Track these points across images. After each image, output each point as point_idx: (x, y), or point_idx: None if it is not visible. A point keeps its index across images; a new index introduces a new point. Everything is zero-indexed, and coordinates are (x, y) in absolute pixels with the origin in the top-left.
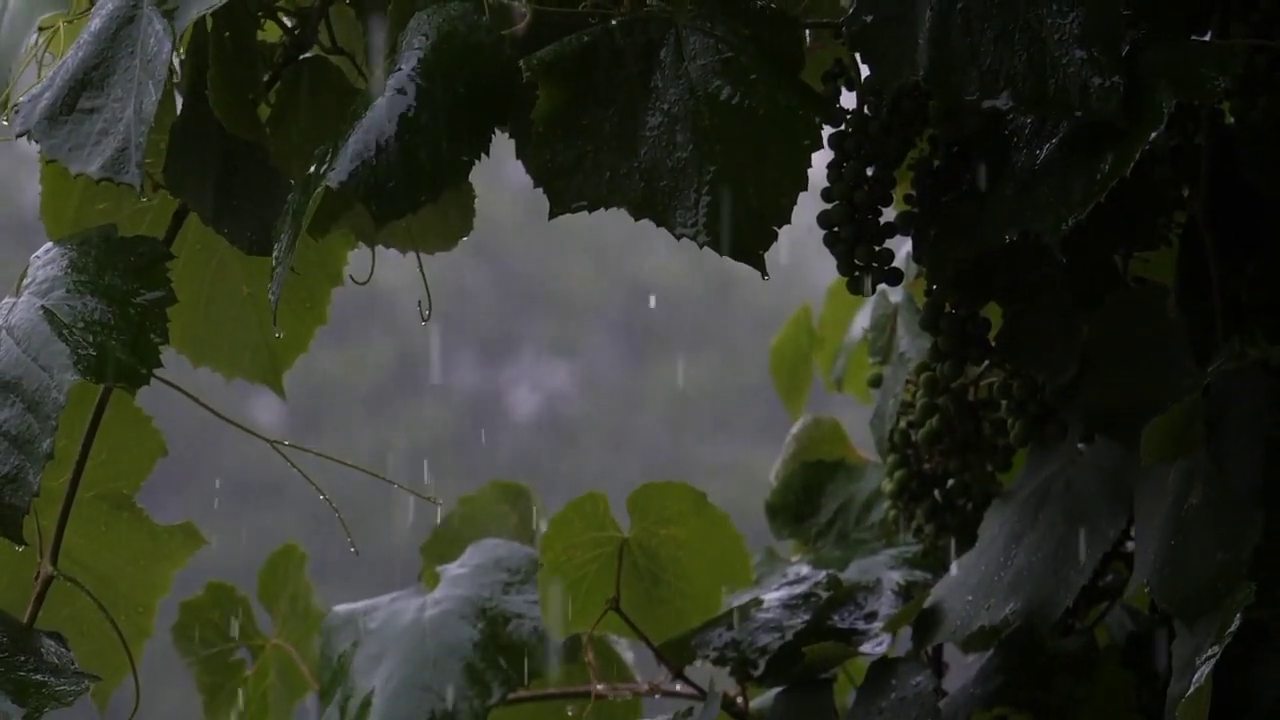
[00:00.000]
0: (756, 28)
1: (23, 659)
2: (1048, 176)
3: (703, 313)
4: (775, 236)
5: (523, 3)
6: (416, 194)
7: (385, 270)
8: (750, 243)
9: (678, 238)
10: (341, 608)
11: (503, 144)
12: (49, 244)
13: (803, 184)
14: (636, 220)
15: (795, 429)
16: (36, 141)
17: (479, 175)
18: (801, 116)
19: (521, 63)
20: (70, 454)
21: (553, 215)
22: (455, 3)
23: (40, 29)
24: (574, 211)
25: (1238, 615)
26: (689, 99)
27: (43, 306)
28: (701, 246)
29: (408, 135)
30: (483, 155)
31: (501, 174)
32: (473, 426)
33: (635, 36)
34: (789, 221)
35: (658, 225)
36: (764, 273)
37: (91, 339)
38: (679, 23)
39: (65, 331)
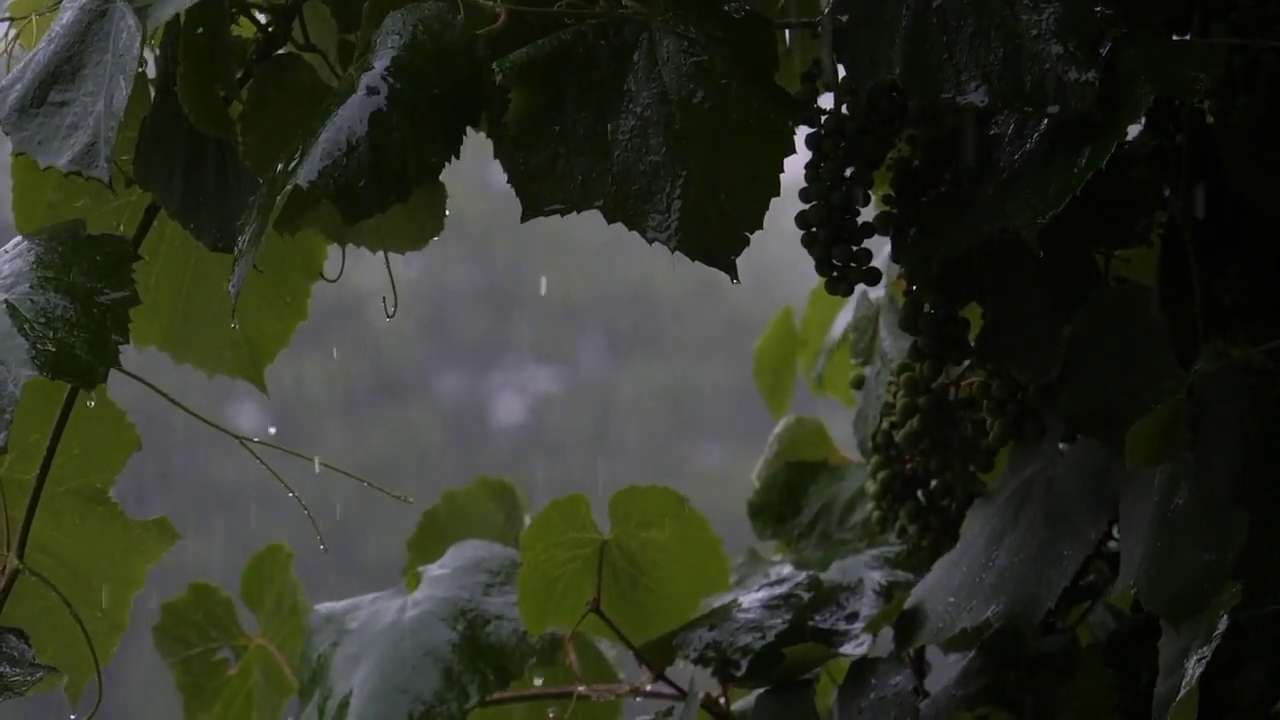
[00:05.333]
0: (730, 30)
1: None
2: (1026, 173)
3: (686, 316)
4: (747, 242)
5: (498, 3)
6: (386, 194)
7: (371, 275)
8: (721, 247)
9: (649, 242)
10: (323, 607)
11: (484, 146)
12: (17, 238)
13: (775, 189)
14: (609, 223)
15: (778, 429)
16: (6, 133)
17: (464, 178)
18: (774, 121)
19: (494, 65)
20: (41, 447)
21: (525, 218)
22: (430, 2)
23: (11, 20)
24: (546, 215)
25: (1224, 616)
26: (662, 102)
27: (6, 301)
28: (673, 251)
29: (379, 135)
30: (453, 156)
31: (485, 177)
32: (457, 430)
33: (609, 39)
34: (761, 227)
35: (629, 229)
36: (735, 277)
37: (52, 334)
38: (653, 25)
39: (26, 326)
